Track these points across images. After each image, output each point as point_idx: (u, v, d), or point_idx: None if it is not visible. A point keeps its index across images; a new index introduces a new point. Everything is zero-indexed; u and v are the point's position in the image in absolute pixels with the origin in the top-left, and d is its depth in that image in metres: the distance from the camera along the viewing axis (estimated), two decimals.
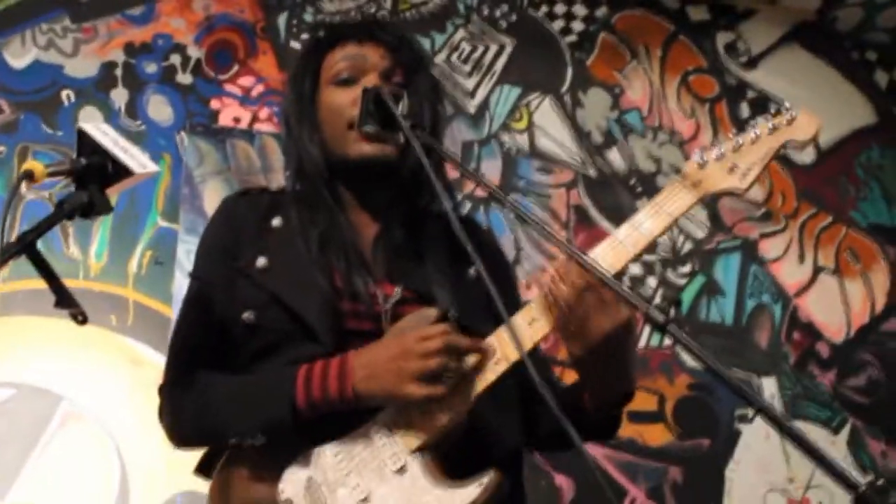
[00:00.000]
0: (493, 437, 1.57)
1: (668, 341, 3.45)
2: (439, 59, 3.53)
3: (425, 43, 3.51)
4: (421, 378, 1.42)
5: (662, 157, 3.70)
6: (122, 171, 1.46)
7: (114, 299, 2.89)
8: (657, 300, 3.51)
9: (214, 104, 3.21)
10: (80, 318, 1.41)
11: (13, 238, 1.41)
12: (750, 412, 3.45)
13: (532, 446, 1.73)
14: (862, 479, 1.04)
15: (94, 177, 1.45)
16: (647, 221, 1.46)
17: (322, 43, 1.74)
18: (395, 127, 1.55)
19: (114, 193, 1.50)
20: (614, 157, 3.64)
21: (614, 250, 1.46)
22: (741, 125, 3.85)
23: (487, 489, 1.40)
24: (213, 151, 3.13)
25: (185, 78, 3.21)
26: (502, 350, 1.47)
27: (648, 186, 3.63)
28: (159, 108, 3.15)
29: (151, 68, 3.18)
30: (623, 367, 1.54)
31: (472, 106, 3.54)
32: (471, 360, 1.47)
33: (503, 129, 3.55)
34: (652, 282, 3.51)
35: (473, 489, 1.41)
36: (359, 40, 1.70)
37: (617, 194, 3.59)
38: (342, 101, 1.65)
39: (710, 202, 3.68)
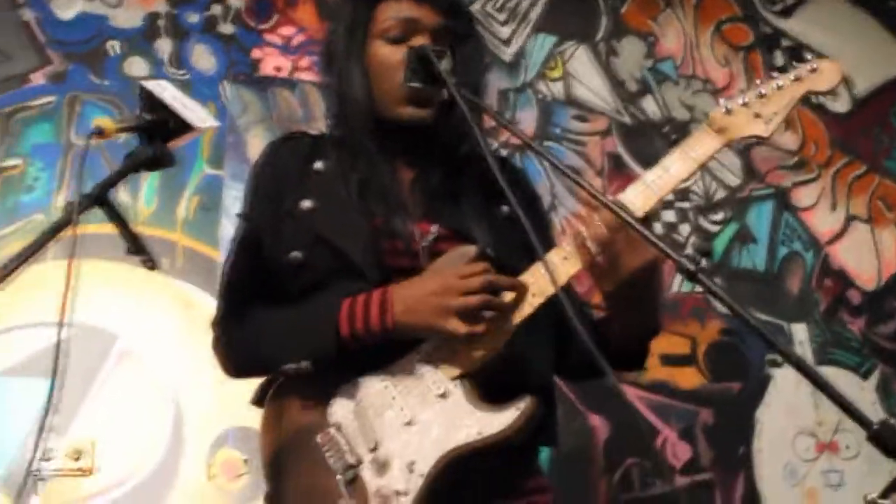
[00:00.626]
0: (527, 365, 1.66)
1: (699, 289, 3.52)
2: (475, 7, 3.56)
3: None
4: (462, 314, 1.51)
5: (696, 106, 3.73)
6: (183, 126, 1.55)
7: (163, 243, 2.99)
8: (689, 249, 3.58)
9: (256, 53, 3.27)
10: (150, 264, 1.50)
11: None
12: (780, 357, 3.52)
13: (563, 375, 1.83)
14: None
15: (157, 132, 1.54)
16: (675, 165, 1.54)
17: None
18: (438, 83, 1.61)
19: (175, 147, 1.59)
20: (648, 105, 3.68)
21: (643, 192, 1.54)
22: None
23: (524, 413, 1.49)
24: (256, 100, 3.21)
25: (226, 28, 3.27)
26: (538, 284, 1.56)
27: (682, 134, 3.64)
28: (202, 58, 3.22)
29: (193, 18, 3.24)
30: (650, 303, 1.62)
31: (507, 54, 3.58)
32: (508, 296, 1.55)
33: (538, 77, 3.59)
34: (685, 229, 3.57)
35: (511, 413, 1.50)
36: None
37: (651, 142, 3.64)
38: (392, 59, 1.70)
39: (743, 151, 3.72)
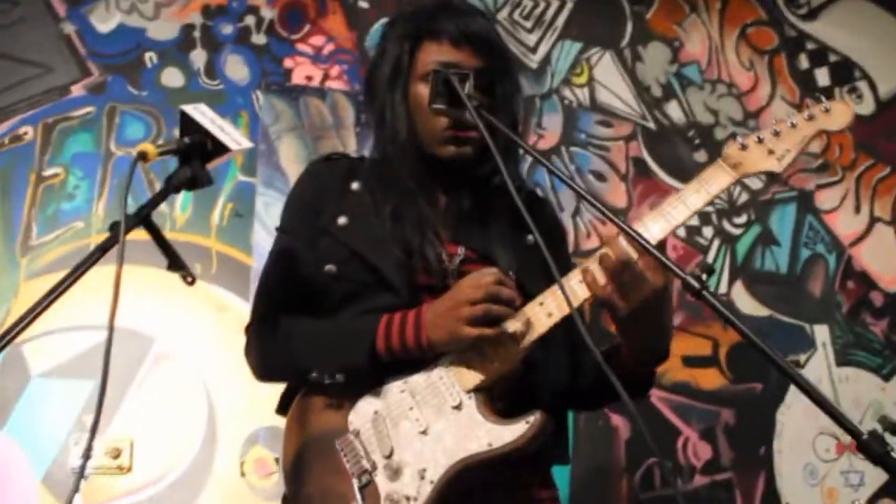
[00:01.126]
0: (541, 383, 1.75)
1: (722, 290, 3.58)
2: (501, 15, 3.63)
3: (487, 0, 3.62)
4: (471, 322, 1.60)
5: (720, 110, 3.77)
6: (220, 148, 1.64)
7: (198, 249, 3.10)
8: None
9: (287, 63, 3.36)
10: (190, 279, 1.60)
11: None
12: (802, 358, 3.57)
13: (571, 402, 1.91)
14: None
15: (196, 153, 1.63)
16: (691, 197, 1.63)
17: (421, 28, 1.84)
18: (461, 106, 1.69)
19: (213, 167, 1.69)
20: (673, 110, 3.73)
21: (661, 222, 1.62)
22: (800, 77, 3.91)
23: (533, 427, 1.59)
24: (288, 109, 3.30)
25: (259, 38, 3.36)
26: (554, 304, 1.64)
27: (706, 138, 3.72)
28: (236, 68, 3.31)
29: (227, 29, 3.34)
30: (660, 331, 1.70)
31: (533, 61, 3.64)
32: (512, 325, 1.64)
33: (564, 83, 3.65)
34: (708, 232, 3.63)
35: (521, 426, 1.60)
36: (455, 42, 1.80)
37: (675, 147, 3.69)
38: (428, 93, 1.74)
39: None
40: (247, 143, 1.68)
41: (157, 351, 2.97)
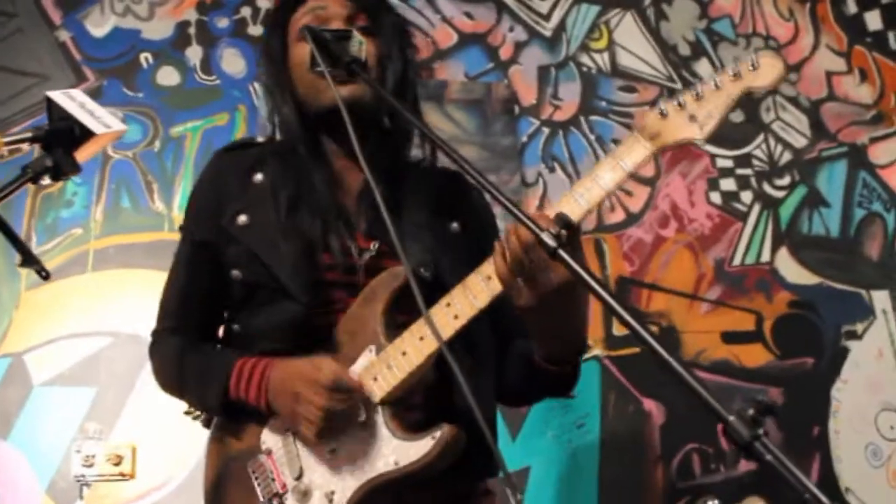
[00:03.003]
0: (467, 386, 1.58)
1: (765, 258, 3.30)
2: None
3: None
4: (310, 421, 1.50)
5: None
6: (87, 133, 1.54)
7: None
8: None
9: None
10: (44, 273, 1.51)
11: None
12: (859, 328, 3.26)
13: (500, 398, 1.74)
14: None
15: (61, 141, 1.54)
16: (606, 175, 1.43)
17: (288, 2, 1.74)
18: (343, 65, 1.55)
19: (86, 154, 1.59)
20: (703, 69, 3.47)
21: (572, 205, 1.42)
22: (847, 23, 3.60)
23: (439, 442, 1.44)
24: None
25: (255, 30, 3.28)
26: (459, 306, 1.47)
27: (743, 98, 3.44)
28: (232, 62, 3.24)
29: (223, 23, 3.27)
30: (571, 322, 1.51)
31: (547, 29, 3.45)
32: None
33: (581, 49, 3.44)
34: (747, 196, 3.36)
35: (427, 442, 1.45)
36: None
37: None
38: (308, 54, 1.64)
39: (811, 108, 3.46)
40: (118, 126, 1.57)
41: None
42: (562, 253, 1.16)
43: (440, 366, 1.52)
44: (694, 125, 1.41)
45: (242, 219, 1.66)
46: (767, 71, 1.40)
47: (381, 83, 1.66)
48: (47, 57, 3.18)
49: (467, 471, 1.55)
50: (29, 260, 1.50)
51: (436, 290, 1.51)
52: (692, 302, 3.22)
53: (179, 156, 3.13)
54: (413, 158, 1.77)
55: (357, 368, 1.54)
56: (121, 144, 3.11)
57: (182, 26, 3.25)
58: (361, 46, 1.60)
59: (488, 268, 1.46)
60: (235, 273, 1.65)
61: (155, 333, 1.77)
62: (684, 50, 3.48)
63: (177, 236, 2.96)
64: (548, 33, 3.44)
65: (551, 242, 1.17)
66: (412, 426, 1.50)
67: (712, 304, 3.22)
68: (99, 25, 3.23)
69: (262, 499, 1.56)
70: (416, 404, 1.55)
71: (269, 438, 1.60)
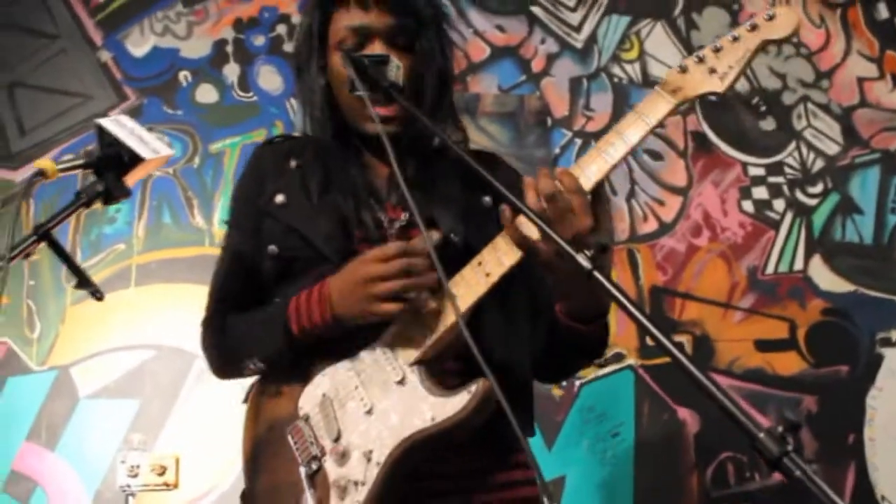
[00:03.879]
0: (495, 352, 1.62)
1: (798, 266, 3.31)
2: None
3: None
4: (387, 298, 1.51)
5: (788, 72, 3.50)
6: (135, 159, 1.60)
7: None
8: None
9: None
10: (98, 295, 1.57)
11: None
12: (894, 335, 3.26)
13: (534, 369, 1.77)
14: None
15: (111, 166, 1.60)
16: (629, 130, 1.47)
17: (328, 4, 1.76)
18: (382, 90, 1.60)
19: (135, 178, 1.65)
20: None
21: (599, 159, 1.47)
22: (879, 28, 3.60)
23: (475, 396, 1.46)
24: None
25: (291, 47, 3.33)
26: (490, 264, 1.52)
27: (773, 104, 3.46)
28: (269, 78, 3.31)
29: (260, 41, 3.34)
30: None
31: (578, 41, 3.48)
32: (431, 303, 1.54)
33: (613, 60, 3.47)
34: (780, 205, 3.37)
35: (463, 396, 1.48)
36: (362, 3, 1.72)
37: (738, 116, 3.45)
38: (346, 75, 1.66)
39: (843, 115, 3.46)
40: (166, 151, 1.63)
41: (199, 367, 2.98)
42: (597, 274, 1.20)
43: (474, 329, 1.57)
44: (714, 77, 1.45)
45: (279, 198, 1.73)
46: (784, 21, 1.44)
47: (417, 97, 1.71)
48: (89, 77, 3.27)
49: (493, 438, 1.58)
50: (84, 282, 1.56)
51: (467, 256, 1.57)
52: (726, 310, 3.23)
53: (219, 172, 3.20)
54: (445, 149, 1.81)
55: (391, 334, 1.59)
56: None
57: (220, 44, 3.33)
58: (399, 71, 1.64)
59: (505, 232, 1.51)
60: (272, 248, 1.70)
61: (203, 322, 1.82)
62: None
63: (217, 251, 3.06)
64: (579, 45, 3.48)
65: (587, 264, 1.21)
66: (448, 388, 1.53)
67: (746, 313, 3.24)
68: (139, 45, 3.31)
69: (301, 463, 1.59)
70: (450, 370, 1.58)
71: (306, 404, 1.63)
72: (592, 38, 3.49)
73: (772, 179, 3.39)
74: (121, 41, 3.31)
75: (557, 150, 3.34)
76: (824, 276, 3.30)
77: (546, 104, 3.38)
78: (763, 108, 3.46)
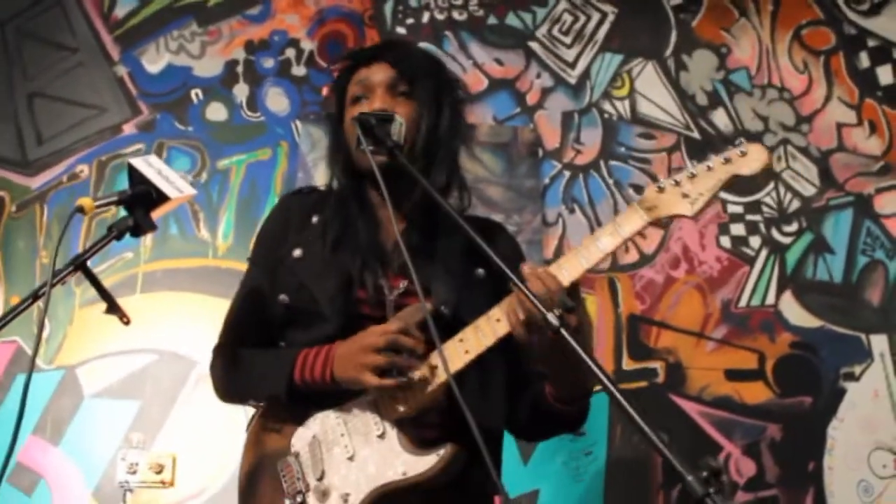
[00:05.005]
0: (478, 412, 1.80)
1: (770, 301, 3.49)
2: (540, 32, 3.67)
3: (526, 18, 3.66)
4: (374, 370, 1.69)
5: (770, 115, 3.68)
6: (162, 196, 1.78)
7: (239, 275, 3.24)
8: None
9: (327, 92, 3.50)
10: (125, 320, 1.74)
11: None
12: (857, 370, 3.44)
13: (514, 432, 1.97)
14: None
15: (140, 203, 1.77)
16: (605, 239, 1.65)
17: (347, 70, 1.99)
18: (385, 147, 1.77)
19: (160, 213, 1.82)
20: (719, 118, 3.66)
21: (576, 260, 1.65)
22: (859, 77, 3.78)
23: (443, 459, 1.68)
24: (324, 137, 3.41)
25: (299, 70, 3.52)
26: (472, 341, 1.70)
27: (730, 180, 3.63)
28: (277, 100, 3.48)
29: (269, 63, 3.51)
30: (575, 368, 1.69)
31: (572, 76, 3.66)
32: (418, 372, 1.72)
33: (604, 97, 3.65)
34: (756, 241, 3.55)
35: (432, 458, 1.69)
36: (368, 63, 1.94)
37: None
38: (355, 134, 1.84)
39: (821, 158, 3.64)
40: (189, 191, 1.80)
41: (198, 372, 3.15)
42: (563, 332, 1.38)
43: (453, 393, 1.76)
44: (686, 202, 1.63)
45: (297, 252, 1.91)
46: (754, 158, 1.63)
47: (413, 143, 1.88)
48: (105, 90, 3.43)
49: (475, 484, 1.76)
50: (113, 308, 1.73)
51: (456, 327, 1.75)
52: (699, 340, 3.41)
53: (225, 187, 3.37)
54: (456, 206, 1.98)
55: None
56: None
57: (231, 65, 3.50)
58: (401, 127, 1.82)
59: (498, 312, 1.70)
60: (283, 297, 1.88)
61: (215, 349, 1.98)
62: (702, 100, 3.68)
63: (219, 263, 3.23)
64: (573, 80, 3.65)
65: (554, 322, 1.39)
66: (427, 442, 1.73)
67: (718, 343, 3.41)
68: (154, 62, 3.48)
69: (287, 494, 1.78)
70: (433, 423, 1.76)
71: (298, 442, 1.82)
72: (586, 75, 3.66)
73: (749, 217, 3.57)
74: (137, 57, 3.48)
75: (547, 181, 3.52)
76: (794, 312, 3.48)
77: (538, 136, 3.55)
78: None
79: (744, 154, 1.62)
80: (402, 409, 1.74)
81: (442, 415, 1.77)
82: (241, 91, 3.47)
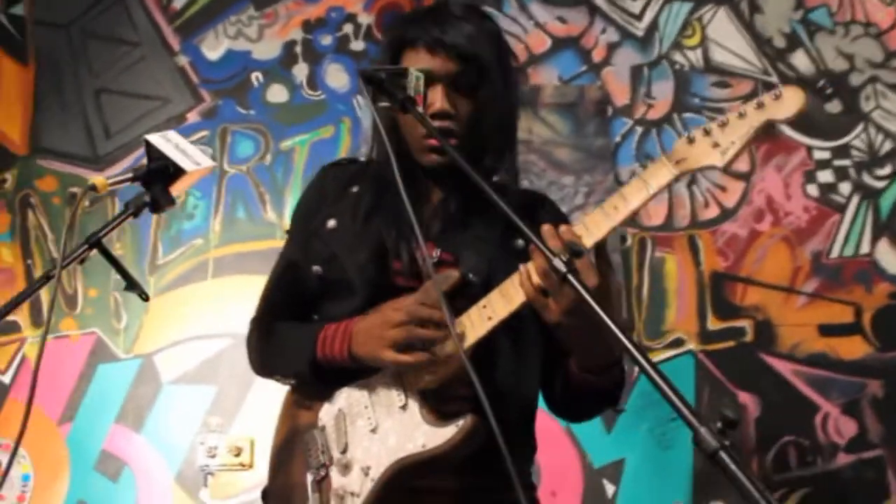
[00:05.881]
0: (508, 386, 1.72)
1: (864, 250, 3.28)
2: None
3: None
4: (393, 346, 1.61)
5: (856, 53, 3.45)
6: (179, 170, 1.75)
7: None
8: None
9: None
10: (144, 296, 1.72)
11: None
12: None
13: (553, 409, 1.86)
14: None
15: (158, 178, 1.75)
16: (633, 194, 1.53)
17: (399, 40, 1.82)
18: (398, 101, 1.68)
19: (181, 188, 1.79)
20: (799, 60, 3.45)
21: (601, 221, 1.54)
22: None
23: (462, 431, 1.59)
24: None
25: (357, 45, 3.47)
26: (497, 307, 1.61)
27: (840, 87, 3.41)
28: (336, 77, 3.44)
29: (327, 40, 3.47)
30: (598, 334, 1.57)
31: (639, 29, 3.50)
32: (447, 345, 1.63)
33: (674, 47, 3.48)
34: (846, 188, 3.33)
35: (451, 429, 1.60)
36: (430, 48, 1.76)
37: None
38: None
39: None
40: (207, 163, 1.78)
41: None
42: (571, 278, 1.28)
43: (482, 361, 1.67)
44: (716, 151, 1.49)
45: (331, 223, 1.85)
46: (790, 102, 1.47)
47: (479, 140, 1.78)
48: (168, 81, 3.46)
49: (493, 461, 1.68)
50: (132, 285, 1.72)
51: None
52: (788, 295, 3.23)
53: (289, 168, 3.36)
54: (499, 180, 1.87)
55: None
56: (235, 159, 3.37)
57: (289, 45, 3.47)
58: (419, 81, 1.72)
59: (517, 277, 1.59)
60: (316, 269, 1.83)
61: (252, 321, 1.95)
62: (779, 42, 3.47)
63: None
64: (640, 33, 3.50)
65: (561, 268, 1.29)
66: (451, 415, 1.64)
67: (809, 297, 3.23)
68: (213, 49, 3.48)
69: (311, 467, 1.73)
70: (461, 395, 1.66)
71: (325, 415, 1.78)
72: (654, 26, 3.50)
73: (837, 163, 3.35)
74: (197, 45, 3.49)
75: (618, 139, 3.38)
76: (892, 260, 3.25)
77: (606, 93, 3.42)
78: (829, 91, 3.42)
79: (778, 97, 1.47)
80: (426, 379, 1.67)
81: (469, 386, 1.69)
82: (300, 71, 3.45)
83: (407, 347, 1.62)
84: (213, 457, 3.03)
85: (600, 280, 1.50)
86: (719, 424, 1.05)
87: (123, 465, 3.12)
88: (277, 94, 3.43)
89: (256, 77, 3.45)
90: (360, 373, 1.74)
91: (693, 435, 1.07)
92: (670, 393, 1.12)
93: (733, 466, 1.01)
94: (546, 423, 3.02)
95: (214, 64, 3.47)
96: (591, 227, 1.54)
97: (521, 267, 1.55)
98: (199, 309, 3.21)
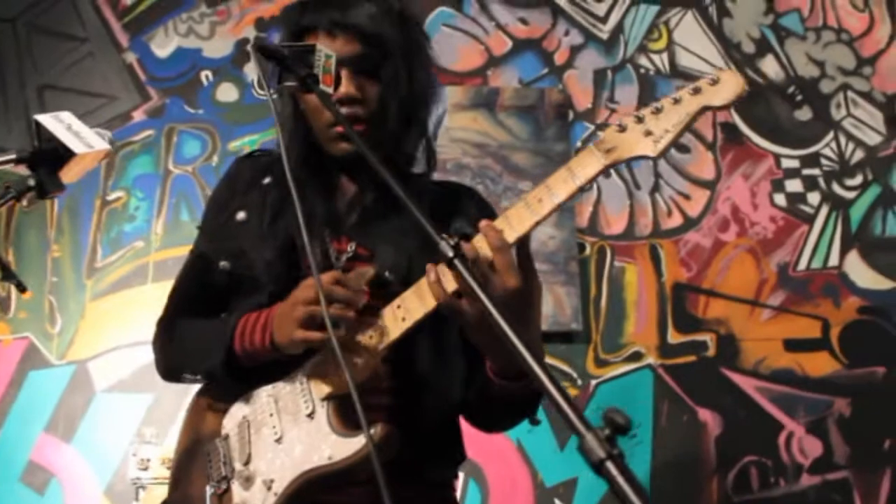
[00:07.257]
0: (430, 391, 1.59)
1: (833, 262, 3.15)
2: None
3: None
4: (302, 324, 1.46)
5: (827, 60, 3.34)
6: (69, 153, 1.61)
7: None
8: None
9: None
10: (21, 287, 1.59)
11: None
12: None
13: (467, 417, 1.72)
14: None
15: (46, 161, 1.61)
16: (558, 186, 1.39)
17: (297, 27, 1.70)
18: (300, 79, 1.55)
19: (73, 174, 1.66)
20: (769, 66, 3.34)
21: (523, 215, 1.40)
22: None
23: (372, 440, 1.42)
24: None
25: None
26: (411, 307, 1.47)
27: (810, 93, 3.30)
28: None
29: None
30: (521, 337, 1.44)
31: (604, 31, 3.39)
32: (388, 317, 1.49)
33: (639, 51, 3.37)
34: (815, 198, 3.21)
35: (360, 440, 1.44)
36: (330, 32, 1.65)
37: (772, 106, 3.30)
38: (316, 99, 1.59)
39: (887, 103, 3.29)
40: (101, 146, 1.63)
41: None
42: (457, 263, 1.15)
43: (402, 369, 1.55)
44: (649, 140, 1.36)
45: (241, 215, 1.72)
46: (728, 87, 1.35)
47: (383, 123, 1.65)
48: (115, 78, 3.34)
49: (414, 469, 1.54)
50: (8, 275, 1.58)
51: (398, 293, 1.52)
52: (753, 308, 3.10)
53: None
54: (415, 172, 1.76)
55: (312, 364, 1.57)
56: (181, 160, 3.24)
57: (241, 44, 3.36)
58: (330, 59, 1.60)
59: (433, 274, 1.45)
60: (223, 264, 1.69)
61: (158, 321, 1.81)
62: (748, 47, 3.37)
63: None
64: (605, 36, 3.39)
65: (448, 252, 1.16)
66: (356, 427, 1.50)
67: (775, 311, 3.10)
68: (163, 46, 3.37)
69: (212, 480, 1.58)
70: (373, 403, 1.54)
71: (228, 423, 1.63)
72: (619, 29, 3.39)
73: (806, 172, 3.24)
74: (146, 42, 3.37)
75: (579, 144, 3.27)
76: (861, 273, 3.13)
77: (568, 97, 3.30)
78: (799, 98, 3.31)
79: (715, 82, 1.35)
80: (333, 385, 1.53)
81: (382, 393, 1.56)
82: (252, 70, 3.33)
83: (321, 328, 1.47)
84: (145, 469, 2.87)
85: (522, 282, 1.37)
86: (608, 431, 0.91)
87: (51, 476, 2.97)
88: (227, 93, 3.31)
89: (206, 75, 3.33)
90: (278, 373, 1.60)
91: (578, 442, 0.93)
92: (554, 391, 0.97)
93: (621, 479, 0.87)
94: (497, 439, 2.91)
95: (163, 61, 3.35)
96: (514, 222, 1.40)
97: (429, 266, 1.42)
98: (137, 314, 3.06)
